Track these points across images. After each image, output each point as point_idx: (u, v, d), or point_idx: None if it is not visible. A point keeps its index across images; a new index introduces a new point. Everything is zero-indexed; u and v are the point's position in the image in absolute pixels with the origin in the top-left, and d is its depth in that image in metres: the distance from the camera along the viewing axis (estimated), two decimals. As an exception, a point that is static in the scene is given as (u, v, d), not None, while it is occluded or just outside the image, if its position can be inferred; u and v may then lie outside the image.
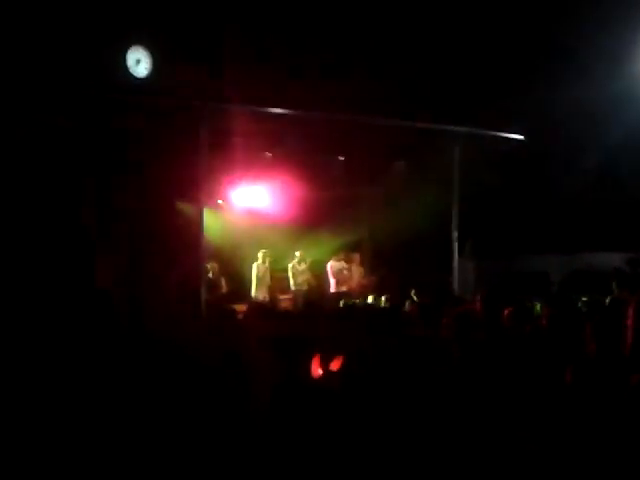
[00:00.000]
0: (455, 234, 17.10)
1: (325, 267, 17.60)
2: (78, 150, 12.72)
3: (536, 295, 10.54)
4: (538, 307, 8.88)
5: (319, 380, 5.38)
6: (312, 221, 18.27)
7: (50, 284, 11.50)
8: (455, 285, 16.86)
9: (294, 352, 5.83)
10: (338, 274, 17.35)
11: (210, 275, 16.51)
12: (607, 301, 8.26)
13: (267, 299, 16.30)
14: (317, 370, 5.48)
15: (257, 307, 10.39)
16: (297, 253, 17.52)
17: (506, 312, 7.50)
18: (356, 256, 17.95)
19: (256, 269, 17.02)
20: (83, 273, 12.28)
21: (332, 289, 17.30)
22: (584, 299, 9.21)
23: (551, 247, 17.24)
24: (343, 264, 17.48)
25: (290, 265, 17.47)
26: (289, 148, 16.24)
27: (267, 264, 17.16)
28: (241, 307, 11.61)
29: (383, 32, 14.62)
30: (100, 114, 12.69)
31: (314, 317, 8.28)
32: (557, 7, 14.85)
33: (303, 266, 17.47)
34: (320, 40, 14.44)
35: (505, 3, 14.97)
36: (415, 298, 13.04)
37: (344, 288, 17.14)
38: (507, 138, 16.80)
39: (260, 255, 17.16)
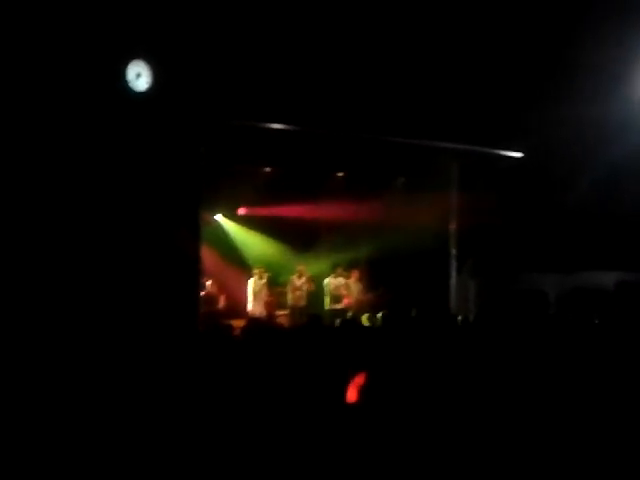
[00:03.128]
0: (453, 251, 17.10)
1: (322, 283, 17.53)
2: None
3: (534, 314, 10.55)
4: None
5: (356, 404, 5.33)
6: (311, 237, 18.29)
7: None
8: (453, 303, 16.86)
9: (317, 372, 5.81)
10: (335, 290, 17.31)
11: (208, 290, 16.52)
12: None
13: (264, 315, 16.26)
14: (353, 394, 5.43)
15: (255, 324, 10.38)
16: (298, 268, 17.45)
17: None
18: (355, 272, 17.91)
19: (252, 284, 16.96)
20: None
21: (327, 306, 17.24)
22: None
23: (549, 265, 17.22)
24: (341, 280, 17.44)
25: (289, 280, 17.43)
26: (289, 164, 16.26)
27: (264, 279, 17.08)
28: (238, 322, 11.61)
29: (382, 48, 14.64)
30: (101, 126, 12.68)
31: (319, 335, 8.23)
32: (558, 27, 14.89)
33: (303, 281, 17.39)
34: (320, 56, 14.47)
35: (506, 21, 14.99)
36: (414, 314, 13.07)
37: (339, 305, 17.10)
38: (506, 155, 16.82)
39: (255, 271, 17.10)
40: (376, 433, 4.87)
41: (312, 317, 10.21)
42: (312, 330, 8.76)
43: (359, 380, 5.33)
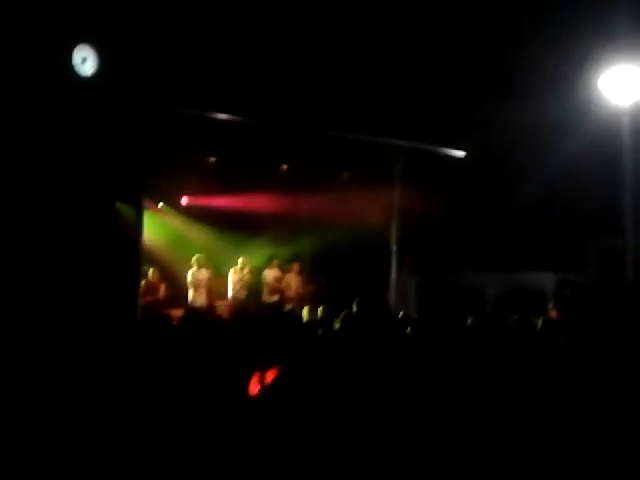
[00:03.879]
0: (394, 248, 17.21)
1: (261, 276, 17.53)
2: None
3: (471, 312, 10.64)
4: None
5: (257, 396, 5.34)
6: (253, 228, 18.25)
7: None
8: (392, 299, 16.96)
9: (231, 365, 5.80)
10: (272, 283, 17.33)
11: (150, 279, 16.42)
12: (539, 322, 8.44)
13: (204, 305, 16.19)
14: (255, 387, 5.43)
15: (193, 314, 10.35)
16: (240, 259, 17.40)
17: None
18: (295, 265, 17.92)
19: (191, 274, 16.88)
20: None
21: (264, 298, 17.25)
22: (515, 318, 9.36)
23: (488, 265, 17.42)
24: (277, 272, 17.45)
25: (231, 271, 17.37)
26: (233, 154, 16.20)
27: (204, 270, 17.00)
28: (177, 312, 11.57)
29: (331, 44, 14.68)
30: (44, 111, 12.53)
31: (247, 327, 8.24)
32: (505, 26, 15.05)
33: (244, 272, 17.34)
34: (268, 48, 14.46)
35: (454, 20, 15.11)
36: (355, 308, 13.08)
37: (276, 297, 17.11)
38: (449, 154, 16.96)
39: (194, 260, 16.99)
40: (271, 427, 4.88)
41: (238, 311, 10.23)
42: (240, 323, 8.76)
43: (268, 374, 5.34)
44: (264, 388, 5.27)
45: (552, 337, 7.61)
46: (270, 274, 17.41)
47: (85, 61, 13.15)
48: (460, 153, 16.94)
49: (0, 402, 5.52)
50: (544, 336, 7.76)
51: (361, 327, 7.74)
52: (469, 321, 9.04)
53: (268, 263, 17.57)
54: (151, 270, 16.57)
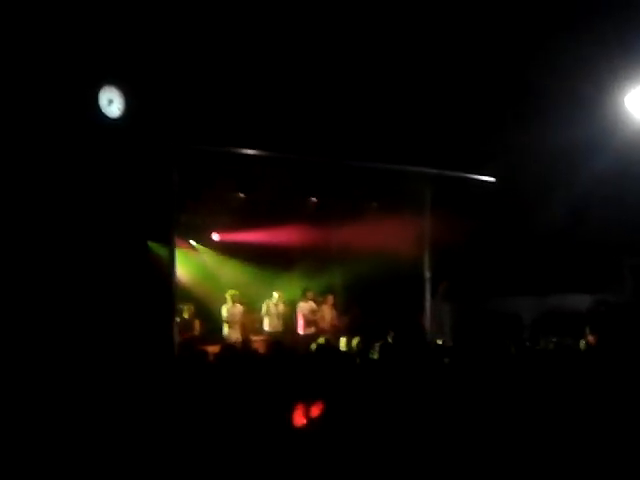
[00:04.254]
0: (427, 275, 17.14)
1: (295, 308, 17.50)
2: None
3: (508, 337, 10.56)
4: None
5: (302, 429, 5.32)
6: (285, 262, 18.26)
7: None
8: (427, 326, 16.88)
9: (272, 399, 5.79)
10: (307, 315, 17.27)
11: (184, 316, 16.43)
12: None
13: (239, 340, 16.17)
14: (301, 419, 5.41)
15: (229, 350, 10.35)
16: (275, 294, 17.40)
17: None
18: (329, 297, 17.88)
19: (226, 310, 16.90)
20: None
21: (300, 331, 17.20)
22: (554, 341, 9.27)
23: (523, 289, 17.28)
24: (312, 305, 17.40)
25: (264, 305, 17.36)
26: (262, 189, 16.25)
27: (238, 304, 17.01)
28: (213, 348, 11.56)
29: (356, 75, 14.72)
30: (74, 153, 12.63)
31: (286, 361, 8.23)
32: (530, 50, 15.03)
33: (279, 306, 17.34)
34: (292, 83, 14.52)
35: (477, 45, 15.10)
36: (391, 340, 13.05)
37: (313, 329, 17.05)
38: (478, 180, 16.91)
39: (228, 296, 17.01)
40: (320, 458, 4.86)
41: (273, 345, 10.22)
42: (278, 357, 8.76)
43: (314, 407, 5.33)
44: (310, 421, 5.24)
45: (595, 361, 7.52)
46: (305, 306, 17.35)
47: (112, 103, 13.26)
48: (489, 179, 16.91)
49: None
50: (588, 360, 7.67)
51: (399, 357, 7.70)
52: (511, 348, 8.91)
53: (302, 296, 17.51)
54: (185, 307, 16.59)
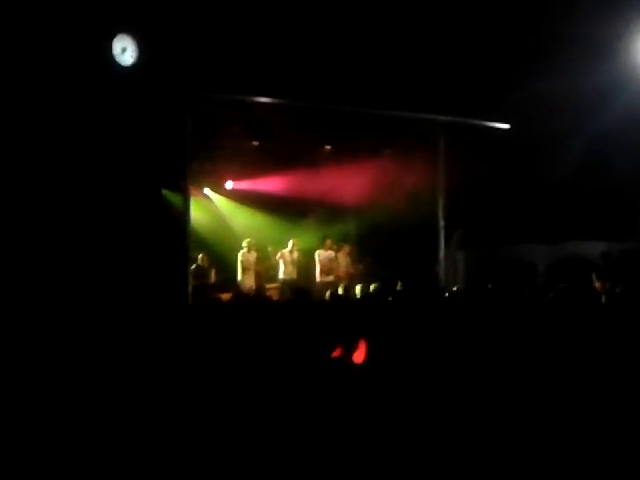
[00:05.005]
0: (442, 224, 17.13)
1: (312, 256, 17.51)
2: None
3: (522, 284, 10.58)
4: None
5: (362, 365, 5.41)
6: (299, 210, 18.30)
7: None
8: (442, 275, 16.91)
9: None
10: (325, 264, 17.31)
11: (200, 264, 16.53)
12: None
13: (253, 288, 16.27)
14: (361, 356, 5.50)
15: (241, 298, 10.41)
16: (290, 241, 17.43)
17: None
18: (345, 246, 17.91)
19: (241, 257, 16.97)
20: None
21: (318, 278, 17.26)
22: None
23: (538, 236, 17.26)
24: (331, 253, 17.43)
25: (279, 253, 17.41)
26: (276, 137, 16.23)
27: (253, 252, 17.08)
28: (228, 296, 11.64)
29: (368, 21, 14.61)
30: (87, 101, 12.64)
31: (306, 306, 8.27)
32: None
33: (293, 254, 17.38)
34: (305, 29, 14.43)
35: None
36: (400, 287, 13.12)
37: (330, 278, 17.10)
38: (493, 127, 16.83)
39: (244, 244, 17.08)
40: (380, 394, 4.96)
41: (299, 291, 10.25)
42: (300, 304, 8.80)
43: (360, 347, 5.41)
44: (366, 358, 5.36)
45: (593, 307, 7.52)
46: (324, 254, 17.38)
47: (125, 51, 13.24)
48: (504, 125, 16.81)
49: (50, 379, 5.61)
50: (586, 306, 7.66)
51: (410, 303, 7.75)
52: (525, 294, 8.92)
53: (321, 244, 17.52)
54: (200, 255, 16.69)
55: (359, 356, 5.43)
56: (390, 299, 8.83)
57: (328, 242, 17.50)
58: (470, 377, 5.40)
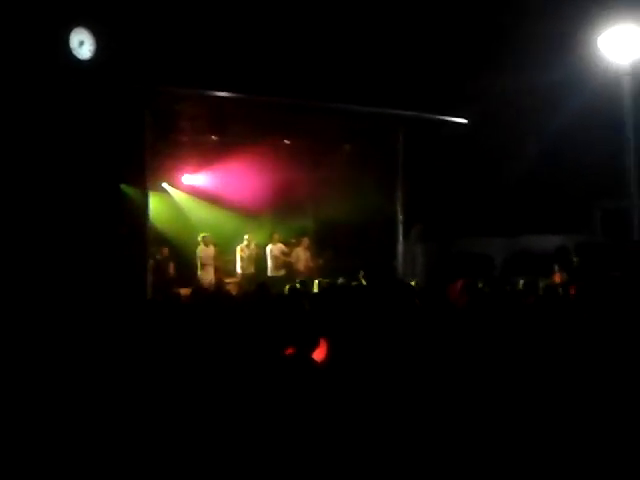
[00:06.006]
0: (400, 217, 17.20)
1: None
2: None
3: (480, 276, 10.69)
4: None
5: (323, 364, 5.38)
6: (258, 205, 18.27)
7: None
8: (400, 268, 16.99)
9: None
10: (277, 258, 17.32)
11: (158, 258, 16.45)
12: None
13: (212, 282, 16.24)
14: (322, 354, 5.47)
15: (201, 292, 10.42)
16: (245, 236, 17.42)
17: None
18: (305, 240, 17.90)
19: (199, 253, 16.93)
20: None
21: (269, 273, 17.27)
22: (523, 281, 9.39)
23: (495, 230, 17.43)
24: (282, 247, 17.44)
25: (238, 248, 17.39)
26: (234, 131, 16.21)
27: (212, 247, 17.04)
28: (186, 291, 11.63)
29: (328, 15, 14.64)
30: (44, 95, 12.53)
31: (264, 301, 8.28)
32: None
33: (250, 249, 17.37)
34: (266, 23, 14.43)
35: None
36: (363, 281, 13.17)
37: (283, 272, 17.12)
38: (451, 122, 16.92)
39: (199, 238, 17.03)
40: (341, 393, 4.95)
41: (260, 286, 10.27)
42: (260, 298, 8.81)
43: (320, 346, 5.40)
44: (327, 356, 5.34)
45: (554, 301, 7.62)
46: (274, 249, 17.40)
47: (82, 44, 13.15)
48: (462, 120, 16.91)
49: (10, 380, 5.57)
50: (546, 300, 7.77)
51: (373, 296, 7.78)
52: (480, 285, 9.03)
53: (270, 239, 17.53)
54: (160, 250, 16.62)
55: (320, 353, 5.42)
56: (353, 293, 8.86)
57: (276, 236, 17.50)
58: (435, 369, 5.43)
